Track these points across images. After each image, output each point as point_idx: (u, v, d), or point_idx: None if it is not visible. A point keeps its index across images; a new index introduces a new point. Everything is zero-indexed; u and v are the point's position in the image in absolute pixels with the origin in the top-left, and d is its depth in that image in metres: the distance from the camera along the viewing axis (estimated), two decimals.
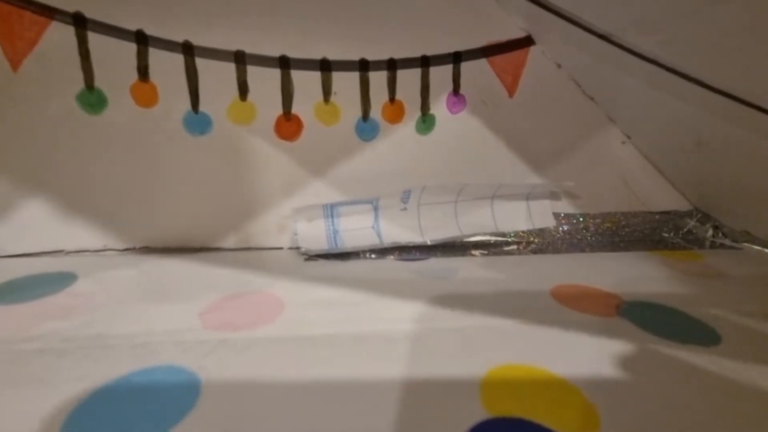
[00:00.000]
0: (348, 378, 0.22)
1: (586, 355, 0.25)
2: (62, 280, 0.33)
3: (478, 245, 0.48)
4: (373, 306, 0.31)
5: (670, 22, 0.30)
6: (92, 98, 0.37)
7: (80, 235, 0.40)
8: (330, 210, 0.44)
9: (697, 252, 0.48)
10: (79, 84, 0.37)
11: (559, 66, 0.45)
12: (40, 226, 0.40)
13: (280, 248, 0.44)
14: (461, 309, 0.30)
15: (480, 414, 0.20)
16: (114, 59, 0.37)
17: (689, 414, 0.20)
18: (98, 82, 0.37)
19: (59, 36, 0.36)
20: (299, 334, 0.26)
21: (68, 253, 0.40)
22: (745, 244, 0.49)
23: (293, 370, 0.23)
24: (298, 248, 0.43)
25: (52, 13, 0.35)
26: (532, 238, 0.50)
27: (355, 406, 0.20)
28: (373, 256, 0.43)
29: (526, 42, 0.44)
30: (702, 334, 0.28)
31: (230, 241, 0.43)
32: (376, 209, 0.45)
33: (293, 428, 0.19)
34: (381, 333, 0.27)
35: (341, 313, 0.29)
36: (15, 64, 0.36)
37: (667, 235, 0.53)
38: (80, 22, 0.36)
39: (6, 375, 0.22)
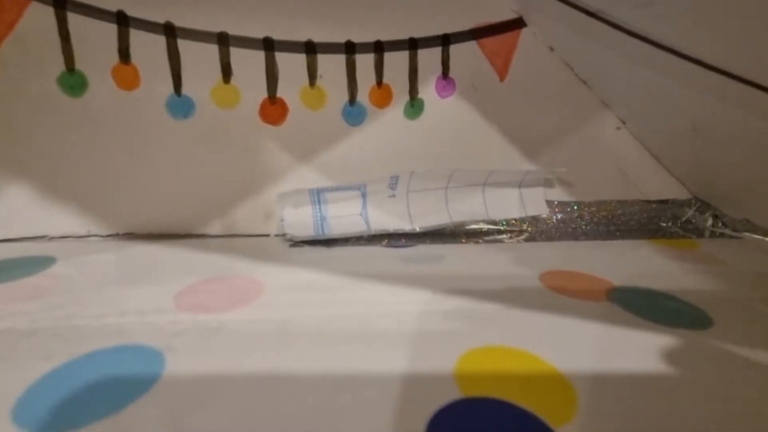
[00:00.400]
0: (318, 359, 0.22)
1: (571, 338, 0.24)
2: (40, 263, 0.33)
3: (469, 233, 0.47)
4: (352, 290, 0.30)
5: None
6: (73, 81, 0.37)
7: (64, 220, 0.40)
8: (317, 196, 0.43)
9: (695, 240, 0.47)
10: (60, 66, 0.36)
11: (552, 49, 0.44)
12: (23, 212, 0.39)
13: (267, 235, 0.43)
14: (444, 293, 0.30)
15: (454, 394, 0.19)
16: (95, 41, 0.36)
17: (674, 398, 0.19)
18: (79, 65, 0.37)
19: (39, 17, 0.35)
20: (274, 317, 0.26)
21: (52, 238, 0.40)
22: (746, 234, 0.48)
23: (262, 353, 0.22)
24: (284, 235, 0.42)
25: None
26: (524, 227, 0.49)
27: (323, 386, 0.20)
28: (361, 243, 0.42)
29: (517, 24, 0.43)
30: (693, 319, 0.27)
31: (216, 228, 0.42)
32: (364, 195, 0.44)
33: (253, 411, 0.18)
34: (356, 315, 0.26)
35: (319, 297, 0.29)
36: None
37: (665, 224, 0.51)
38: (60, 3, 0.35)
39: None
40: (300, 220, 0.42)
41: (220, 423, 0.17)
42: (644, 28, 0.33)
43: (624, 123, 0.47)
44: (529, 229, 0.49)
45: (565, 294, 0.30)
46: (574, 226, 0.50)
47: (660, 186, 0.50)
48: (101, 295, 0.28)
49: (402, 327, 0.25)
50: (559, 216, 0.50)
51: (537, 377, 0.20)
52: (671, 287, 0.31)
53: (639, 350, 0.23)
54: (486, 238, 0.46)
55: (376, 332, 0.24)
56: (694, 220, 0.52)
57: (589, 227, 0.50)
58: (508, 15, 0.42)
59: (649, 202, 0.51)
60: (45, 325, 0.24)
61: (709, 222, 0.51)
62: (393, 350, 0.22)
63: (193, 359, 0.21)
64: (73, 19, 0.36)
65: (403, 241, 0.43)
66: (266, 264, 0.35)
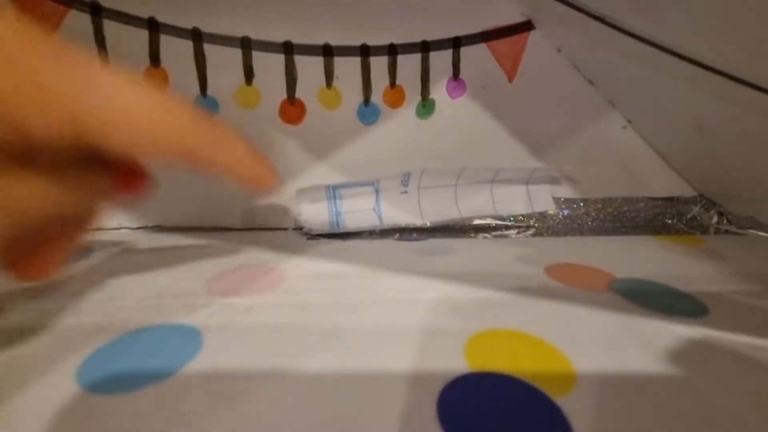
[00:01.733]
0: (338, 338, 0.24)
1: (570, 322, 0.26)
2: (79, 253, 0.36)
3: (477, 228, 0.49)
4: (368, 277, 0.32)
5: (665, 1, 0.31)
6: None
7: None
8: (332, 191, 0.45)
9: (700, 237, 0.48)
10: None
11: (559, 50, 0.45)
12: None
13: (285, 228, 0.46)
14: (453, 282, 0.32)
15: (462, 369, 0.21)
16: (127, 46, 0.39)
17: (667, 380, 0.21)
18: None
19: (77, 24, 0.38)
20: (297, 300, 0.28)
21: None
22: (750, 231, 0.49)
23: (287, 332, 0.24)
24: (301, 228, 0.45)
25: (70, 1, 0.37)
26: (532, 222, 0.50)
27: (345, 360, 0.22)
28: (374, 236, 0.44)
29: (526, 27, 0.44)
30: (690, 307, 0.28)
31: (237, 221, 0.45)
32: (377, 191, 0.46)
33: (288, 373, 0.20)
34: (373, 300, 0.28)
35: (338, 283, 0.31)
36: None
37: (670, 221, 0.53)
38: (96, 11, 0.38)
39: (28, 322, 0.24)
40: (316, 214, 0.45)
41: (255, 392, 0.19)
42: (647, 32, 0.34)
43: (630, 122, 0.49)
44: (536, 224, 0.51)
45: (567, 284, 0.32)
46: (580, 222, 0.51)
47: (665, 183, 0.52)
48: (138, 281, 0.30)
49: (415, 311, 0.27)
50: (566, 212, 0.51)
51: (539, 355, 0.22)
52: (670, 279, 0.33)
53: (635, 335, 0.25)
54: (494, 233, 0.48)
55: (390, 315, 0.26)
56: (699, 217, 0.53)
57: (594, 223, 0.51)
58: (516, 18, 0.44)
59: (654, 199, 0.52)
60: (92, 305, 0.27)
61: (714, 219, 0.53)
62: (406, 331, 0.24)
63: (227, 336, 0.23)
64: (108, 26, 0.38)
65: (414, 235, 0.45)
66: (286, 255, 0.37)
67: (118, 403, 0.18)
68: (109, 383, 0.19)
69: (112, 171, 0.17)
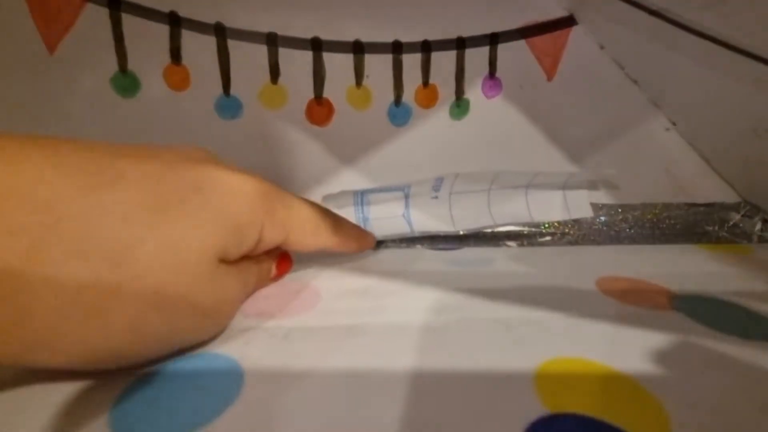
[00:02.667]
0: (394, 368, 0.21)
1: (642, 349, 0.23)
2: None
3: (510, 236, 0.46)
4: (409, 295, 0.30)
5: None
6: (125, 81, 0.37)
7: None
8: (360, 197, 0.43)
9: (747, 246, 0.45)
10: (113, 67, 0.37)
11: (602, 47, 0.42)
12: None
13: None
14: (501, 300, 0.29)
15: (538, 410, 0.18)
16: (147, 42, 0.37)
17: (760, 409, 0.19)
18: (131, 66, 0.37)
19: (94, 19, 0.36)
20: (337, 324, 0.26)
21: None
22: None
23: (335, 359, 0.22)
24: None
25: None
26: (567, 230, 0.48)
27: (404, 396, 0.19)
28: (403, 244, 0.42)
29: (568, 22, 0.41)
30: (765, 330, 0.26)
31: None
32: (407, 197, 0.44)
33: (342, 416, 0.18)
34: (421, 323, 0.26)
35: (377, 302, 0.28)
36: (51, 47, 0.36)
37: (710, 228, 0.50)
38: (114, 4, 0.35)
39: None
40: None
41: (310, 427, 0.17)
42: (711, 27, 0.32)
43: (674, 124, 0.46)
44: (571, 232, 0.48)
45: (625, 302, 0.29)
46: (617, 229, 0.49)
47: (707, 189, 0.49)
48: None
49: (469, 335, 0.24)
50: (603, 219, 0.49)
51: (619, 390, 0.20)
52: (736, 296, 0.30)
53: (716, 362, 0.22)
54: (528, 241, 0.45)
55: (442, 340, 0.24)
56: (741, 225, 0.50)
57: (633, 230, 0.49)
58: (558, 13, 0.41)
59: (695, 205, 0.50)
60: None
61: (758, 227, 0.50)
62: (466, 360, 0.22)
63: (268, 367, 0.21)
64: (127, 21, 0.36)
65: (446, 242, 0.43)
66: (317, 267, 0.35)
67: None
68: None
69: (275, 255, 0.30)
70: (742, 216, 0.50)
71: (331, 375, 0.21)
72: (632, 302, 0.30)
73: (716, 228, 0.51)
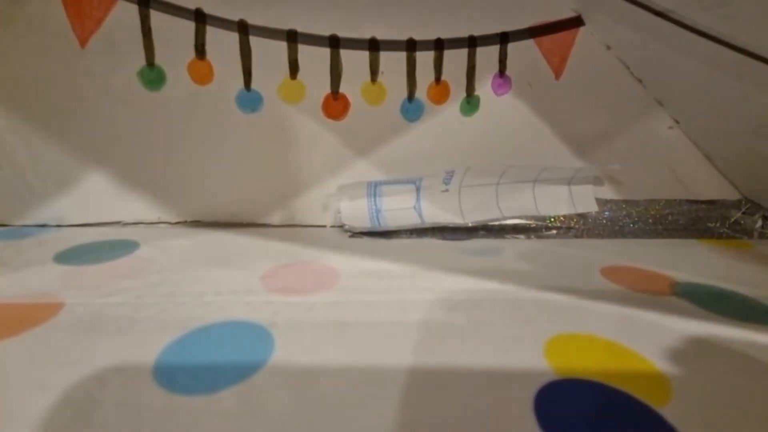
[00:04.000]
0: (414, 340, 0.23)
1: (647, 329, 0.25)
2: (127, 246, 0.35)
3: (517, 228, 0.48)
4: (426, 277, 0.31)
5: None
6: (152, 75, 0.39)
7: (136, 207, 0.42)
8: (373, 189, 0.44)
9: (747, 241, 0.47)
10: (141, 61, 0.39)
11: (608, 47, 0.44)
12: (100, 198, 0.42)
13: (323, 226, 0.45)
14: (511, 283, 0.31)
15: (549, 376, 0.20)
16: (173, 37, 0.38)
17: (760, 388, 0.20)
18: (158, 60, 0.39)
19: (124, 14, 0.37)
20: (358, 299, 0.27)
21: (126, 224, 0.42)
22: None
23: (355, 329, 0.24)
24: (341, 226, 0.44)
25: None
26: (572, 223, 0.49)
27: (426, 364, 0.21)
28: (413, 235, 0.44)
29: (575, 22, 0.43)
30: (764, 315, 0.27)
31: (276, 218, 0.44)
32: (418, 189, 0.45)
33: (366, 375, 0.20)
34: (439, 300, 0.27)
35: (396, 282, 0.30)
36: (83, 41, 0.38)
37: (712, 225, 0.51)
38: (144, 1, 0.37)
39: (93, 326, 0.23)
40: (356, 212, 0.44)
41: (336, 388, 0.19)
42: (715, 28, 0.33)
43: (677, 122, 0.47)
44: (576, 226, 0.49)
45: (629, 288, 0.31)
46: (621, 224, 0.50)
47: (709, 186, 0.50)
48: (192, 276, 0.30)
49: (479, 312, 0.26)
50: (607, 214, 0.50)
51: (626, 362, 0.21)
52: (734, 283, 0.32)
53: (718, 344, 0.24)
54: (534, 234, 0.47)
55: (456, 313, 0.26)
56: (742, 222, 0.52)
57: (636, 226, 0.50)
58: (566, 13, 0.43)
59: (697, 202, 0.51)
60: (151, 300, 0.26)
61: (759, 224, 0.51)
62: (477, 331, 0.24)
63: (296, 335, 0.23)
64: (155, 17, 0.38)
65: (455, 234, 0.45)
66: (334, 252, 0.36)
67: (203, 403, 0.18)
68: (189, 383, 0.19)
69: None
70: (743, 213, 0.52)
71: (352, 340, 0.22)
72: (636, 288, 0.31)
73: (717, 224, 0.52)
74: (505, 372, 0.20)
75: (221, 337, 0.22)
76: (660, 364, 0.21)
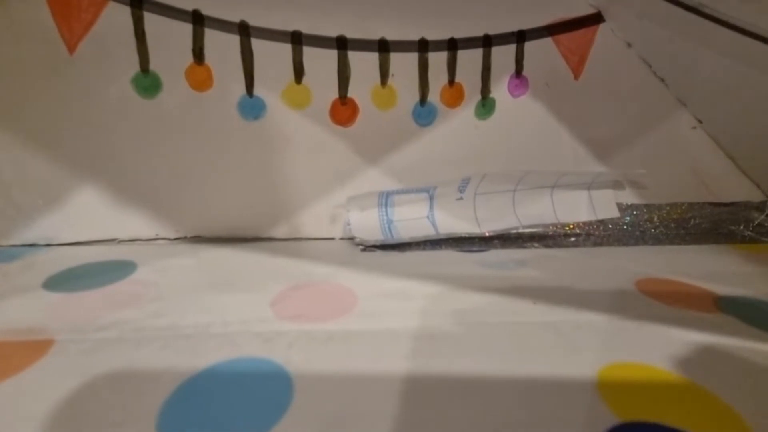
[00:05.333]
0: (447, 373, 0.20)
1: (700, 353, 0.23)
2: (123, 268, 0.32)
3: (534, 237, 0.45)
4: (448, 298, 0.29)
5: None
6: (147, 81, 0.36)
7: (132, 223, 0.39)
8: (384, 199, 0.42)
9: None
10: (134, 67, 0.36)
11: (630, 45, 0.42)
12: (93, 214, 0.39)
13: (332, 239, 0.43)
14: (544, 302, 0.28)
15: (609, 419, 0.18)
16: (169, 41, 0.36)
17: None
18: (153, 65, 0.36)
19: (115, 17, 0.35)
20: (379, 327, 0.25)
21: (121, 241, 0.39)
22: None
23: (383, 363, 0.21)
24: (351, 239, 0.41)
25: None
26: (592, 230, 0.47)
27: (464, 401, 0.19)
28: (430, 247, 0.41)
29: (595, 19, 0.41)
30: None
31: (282, 231, 0.42)
32: (431, 198, 0.43)
33: (398, 422, 0.17)
34: (470, 326, 0.25)
35: (418, 305, 0.28)
36: (71, 47, 0.35)
37: (735, 227, 0.49)
38: (137, 3, 0.34)
39: (87, 366, 0.21)
40: (366, 223, 0.41)
41: None
42: (752, 22, 0.31)
43: (700, 122, 0.45)
44: (596, 232, 0.47)
45: (670, 304, 0.29)
46: (642, 230, 0.48)
47: (733, 187, 0.48)
48: (197, 303, 0.27)
49: (519, 341, 0.23)
50: (628, 219, 0.48)
51: (688, 396, 0.19)
52: None
53: None
54: (553, 242, 0.44)
55: (492, 343, 0.23)
56: (766, 224, 0.50)
57: (658, 230, 0.48)
58: (585, 10, 0.41)
59: (720, 204, 0.49)
60: (152, 334, 0.23)
61: None
62: (518, 363, 0.21)
63: (316, 372, 0.20)
64: (149, 19, 0.35)
65: (472, 244, 0.42)
66: (347, 269, 0.34)
67: None
68: None
69: None
70: (766, 216, 0.50)
71: (380, 378, 0.20)
72: (678, 305, 0.29)
73: (741, 227, 0.50)
74: (559, 417, 0.18)
75: (232, 382, 0.19)
76: (730, 400, 0.19)
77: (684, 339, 0.24)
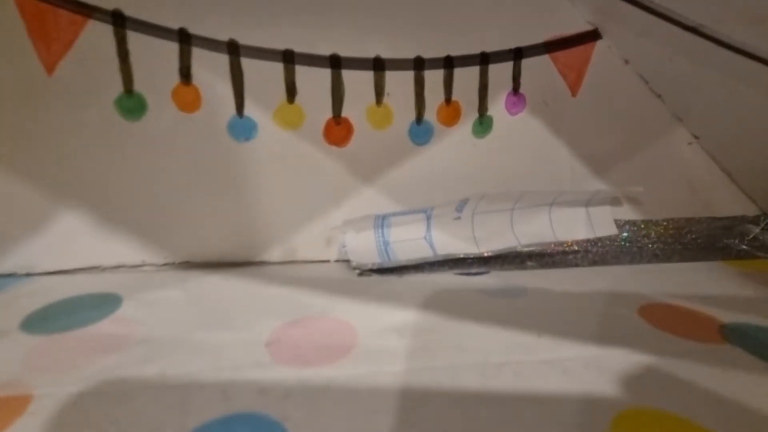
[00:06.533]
0: (450, 418, 0.19)
1: (714, 395, 0.22)
2: (106, 302, 0.31)
3: (532, 255, 0.45)
4: (452, 333, 0.28)
5: None
6: (131, 103, 0.35)
7: (117, 249, 0.38)
8: (381, 220, 0.41)
9: None
10: (118, 88, 0.34)
11: (627, 62, 0.41)
12: (75, 240, 0.37)
13: (327, 261, 0.41)
14: (549, 335, 0.27)
15: None
16: (154, 61, 0.34)
17: None
18: (138, 86, 0.34)
19: (97, 36, 0.33)
20: (381, 370, 0.23)
21: (105, 269, 0.38)
22: None
23: (383, 415, 0.20)
24: (346, 261, 0.40)
25: (90, 11, 0.32)
26: (590, 247, 0.46)
27: None
28: (428, 269, 0.40)
29: (592, 36, 0.40)
30: None
31: (275, 254, 0.40)
32: (428, 218, 0.42)
33: None
34: (472, 366, 0.24)
35: (419, 342, 0.26)
36: (50, 67, 0.33)
37: (730, 241, 0.49)
38: (119, 21, 0.33)
39: (65, 426, 0.19)
40: (363, 245, 0.40)
41: None
42: (751, 44, 0.31)
43: (696, 138, 0.45)
44: (594, 249, 0.47)
45: (677, 334, 0.28)
46: (640, 246, 0.48)
47: (728, 202, 0.48)
48: (185, 345, 0.26)
49: (528, 383, 0.23)
50: (625, 235, 0.48)
51: None
52: None
53: None
54: (551, 260, 0.44)
55: (499, 387, 0.22)
56: (761, 238, 0.50)
57: (656, 246, 0.48)
58: (582, 27, 0.40)
59: (716, 219, 0.49)
60: (139, 385, 0.22)
61: None
62: (532, 417, 0.20)
63: (315, 429, 0.19)
64: (133, 38, 0.33)
65: (471, 266, 0.41)
66: (346, 299, 0.32)
67: None
68: None
69: None
70: (762, 228, 0.50)
71: (392, 426, 0.19)
72: (681, 334, 0.28)
73: (736, 241, 0.50)
74: None
75: None
76: None
77: (694, 379, 0.23)
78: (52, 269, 0.37)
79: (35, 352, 0.25)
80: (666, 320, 0.30)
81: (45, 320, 0.28)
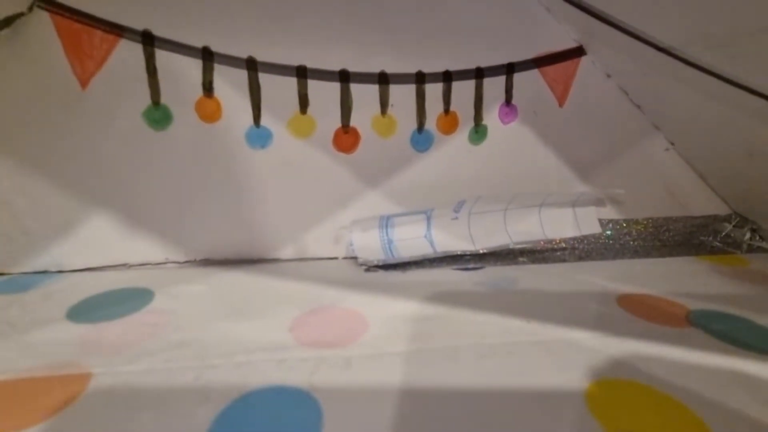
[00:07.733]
0: (447, 389, 0.23)
1: (676, 369, 0.26)
2: (140, 296, 0.34)
3: (524, 252, 0.49)
4: (450, 320, 0.31)
5: (741, 38, 0.31)
6: (158, 114, 0.38)
7: (143, 248, 0.41)
8: (385, 221, 0.44)
9: (741, 256, 0.49)
10: (146, 100, 0.37)
11: (609, 76, 0.45)
12: (103, 240, 0.40)
13: (335, 258, 0.45)
14: (536, 321, 0.31)
15: (596, 430, 0.20)
16: (180, 76, 0.37)
17: None
18: (164, 98, 0.38)
19: (127, 53, 0.36)
20: (393, 350, 0.27)
21: (131, 266, 0.41)
22: None
23: (394, 385, 0.24)
24: (353, 258, 0.44)
25: (121, 31, 0.35)
26: (576, 244, 0.50)
27: (473, 417, 0.21)
28: (429, 265, 0.44)
29: (578, 52, 0.44)
30: None
31: (288, 252, 0.44)
32: (428, 219, 0.45)
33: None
34: (470, 346, 0.27)
35: (425, 327, 0.30)
36: (84, 82, 0.36)
37: (705, 238, 0.54)
38: (148, 40, 0.36)
39: (130, 401, 0.22)
40: (368, 243, 0.44)
41: None
42: (715, 64, 0.35)
43: (672, 144, 0.49)
44: (580, 246, 0.51)
45: (649, 319, 0.32)
46: (622, 243, 0.52)
47: (703, 202, 0.53)
48: (217, 332, 0.29)
49: (514, 360, 0.26)
50: (609, 233, 0.52)
51: (665, 410, 0.22)
52: (744, 310, 0.33)
53: (740, 378, 0.25)
54: (540, 256, 0.48)
55: (495, 364, 0.26)
56: (732, 234, 0.54)
57: (636, 243, 0.52)
58: (568, 44, 0.44)
59: (692, 217, 0.53)
60: (181, 365, 0.25)
61: (747, 236, 0.54)
62: (518, 382, 0.24)
63: (341, 401, 0.23)
64: (160, 55, 0.37)
65: (468, 262, 0.45)
66: (355, 292, 0.36)
67: None
68: None
69: None
70: (733, 226, 0.54)
71: (403, 396, 0.22)
72: (653, 319, 0.32)
73: (710, 238, 0.55)
74: (549, 429, 0.21)
75: (265, 409, 0.22)
76: (699, 411, 0.22)
77: (661, 354, 0.27)
78: (81, 266, 0.40)
79: (85, 338, 0.28)
80: (641, 308, 0.34)
81: (88, 311, 0.31)
